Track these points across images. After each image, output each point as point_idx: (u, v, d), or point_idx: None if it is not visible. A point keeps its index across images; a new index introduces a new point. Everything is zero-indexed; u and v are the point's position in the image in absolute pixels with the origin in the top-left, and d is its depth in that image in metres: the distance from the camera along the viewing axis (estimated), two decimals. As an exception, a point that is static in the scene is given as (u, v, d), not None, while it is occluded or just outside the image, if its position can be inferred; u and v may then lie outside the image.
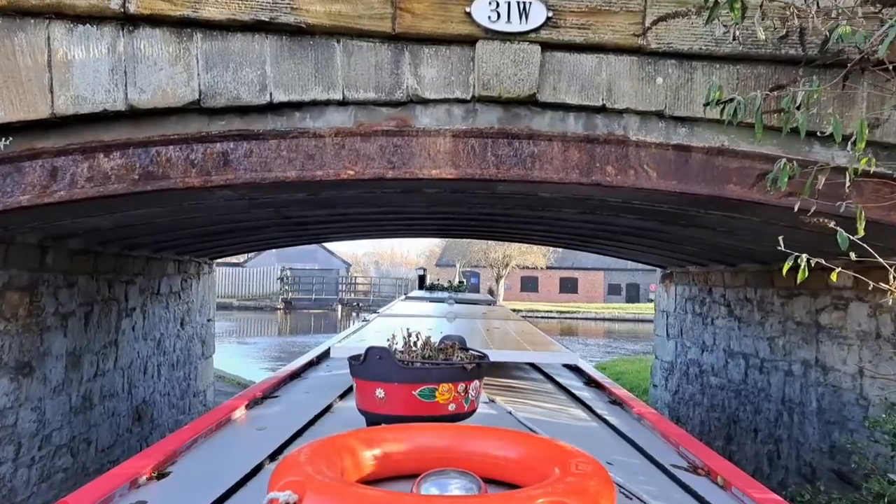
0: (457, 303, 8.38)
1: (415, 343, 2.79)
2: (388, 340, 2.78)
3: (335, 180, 4.28)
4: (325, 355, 5.32)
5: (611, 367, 16.15)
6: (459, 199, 5.62)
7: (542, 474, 1.82)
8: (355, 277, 52.01)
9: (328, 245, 53.11)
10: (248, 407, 3.60)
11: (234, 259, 56.79)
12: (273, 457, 2.56)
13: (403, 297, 12.32)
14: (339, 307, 43.43)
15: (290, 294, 45.33)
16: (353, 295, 47.00)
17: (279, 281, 46.01)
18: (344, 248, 65.75)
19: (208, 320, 10.15)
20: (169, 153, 4.23)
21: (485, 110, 4.34)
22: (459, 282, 14.37)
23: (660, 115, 4.37)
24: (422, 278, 14.05)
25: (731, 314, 8.49)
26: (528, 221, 7.34)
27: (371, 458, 2.00)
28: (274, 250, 51.59)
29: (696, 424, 9.36)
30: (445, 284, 12.76)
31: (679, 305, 10.10)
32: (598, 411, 3.78)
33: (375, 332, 4.64)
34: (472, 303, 9.33)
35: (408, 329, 2.86)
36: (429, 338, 2.84)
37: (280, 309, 43.46)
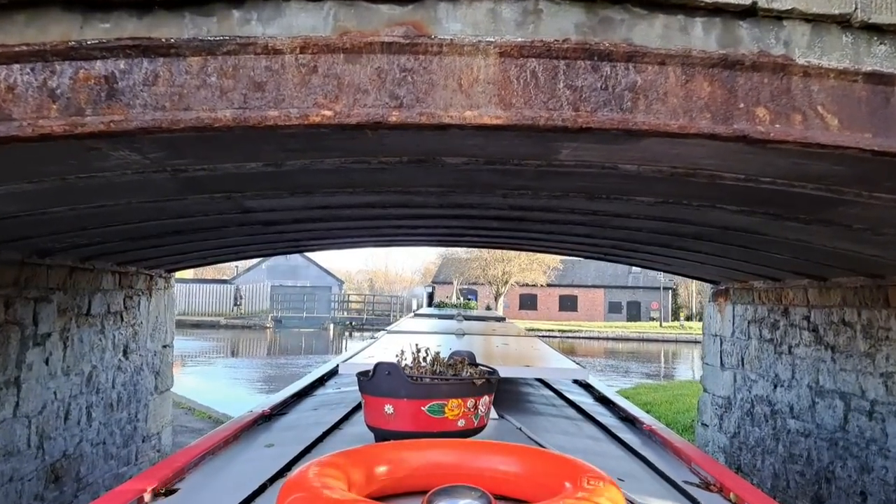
0: (465, 319, 8.06)
1: (424, 359, 2.74)
2: (397, 356, 2.73)
3: (300, 127, 2.49)
4: (333, 372, 5.32)
5: (634, 397, 14.26)
6: (494, 180, 3.84)
7: (552, 490, 1.81)
8: (348, 295, 50.15)
9: (321, 261, 51.47)
10: (256, 424, 3.59)
11: (222, 276, 55.08)
12: (281, 473, 2.51)
13: (412, 314, 12.08)
14: (332, 326, 41.60)
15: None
16: (346, 313, 45.13)
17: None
18: (337, 265, 64.17)
19: (164, 346, 8.31)
20: (12, 77, 2.43)
21: (554, 12, 2.56)
22: (468, 298, 13.99)
23: (843, 22, 2.60)
24: (430, 296, 14.18)
25: (818, 341, 6.71)
26: (571, 221, 5.56)
27: (380, 474, 1.98)
28: (264, 266, 49.96)
29: (766, 477, 7.55)
30: (455, 301, 12.35)
31: (738, 329, 8.32)
32: (609, 427, 3.76)
33: (384, 348, 4.44)
34: (480, 319, 9.03)
35: (416, 345, 2.80)
36: (438, 353, 2.80)
37: (269, 328, 41.59)
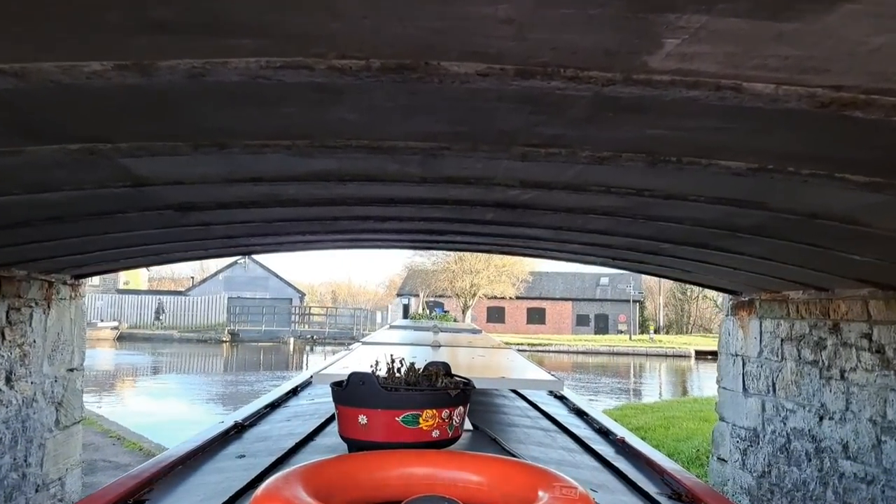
0: (441, 332, 7.95)
1: (398, 369, 2.70)
2: (372, 366, 2.71)
3: None
4: (307, 383, 5.34)
5: (622, 420, 12.83)
6: (518, 122, 2.39)
7: (526, 500, 1.82)
8: (310, 308, 48.24)
9: (282, 273, 49.66)
10: (227, 435, 3.53)
11: (177, 287, 52.88)
12: (253, 484, 2.43)
13: (388, 325, 11.85)
14: (292, 340, 39.77)
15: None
16: (307, 327, 43.27)
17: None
18: (299, 277, 62.45)
19: (70, 370, 6.70)
20: None
21: None
22: (445, 311, 14.21)
23: None
24: (406, 307, 14.23)
25: (886, 365, 5.40)
26: (594, 209, 4.16)
27: (353, 484, 1.96)
28: (221, 277, 47.92)
29: (810, 530, 6.22)
30: (432, 315, 12.23)
31: (768, 348, 7.00)
32: (583, 439, 3.76)
33: (358, 359, 4.25)
34: (456, 331, 9.11)
35: (391, 355, 2.78)
36: (413, 364, 2.78)
37: (226, 341, 39.61)
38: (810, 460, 6.28)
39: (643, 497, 2.71)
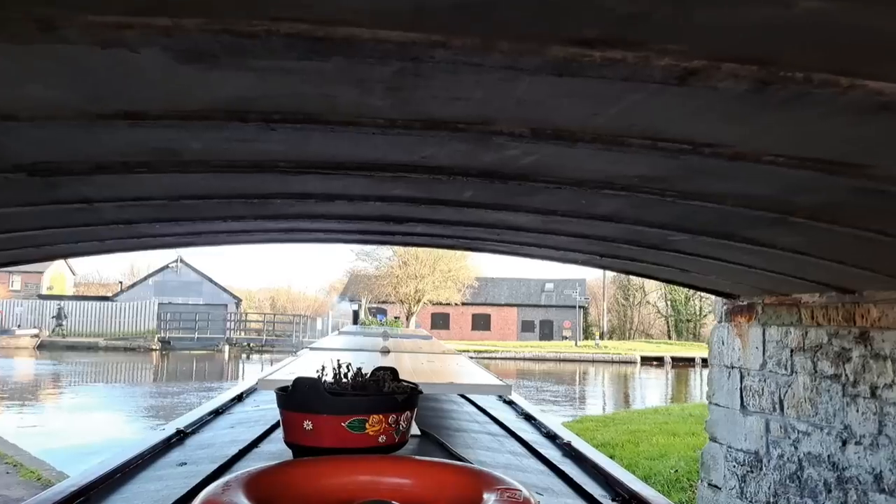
0: (391, 337, 7.90)
1: (345, 374, 2.71)
2: (318, 371, 2.69)
3: None
4: (252, 390, 5.31)
5: (583, 434, 11.93)
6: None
7: None
8: (246, 314, 46.27)
9: (217, 278, 47.65)
10: (168, 442, 3.46)
11: (106, 292, 50.26)
12: (194, 492, 2.33)
13: (337, 332, 11.78)
14: (227, 348, 37.95)
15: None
16: (243, 333, 41.41)
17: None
18: (236, 283, 60.30)
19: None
20: None
21: None
22: (395, 317, 14.40)
23: None
24: (356, 313, 12.99)
25: (934, 382, 4.52)
26: (613, 180, 3.13)
27: (296, 490, 1.92)
28: (151, 282, 45.60)
29: (831, 574, 5.30)
30: (382, 320, 12.01)
31: (773, 359, 6.09)
32: (530, 443, 3.79)
33: (305, 364, 4.21)
34: (406, 337, 9.17)
35: (338, 360, 2.79)
36: (360, 369, 2.78)
37: (156, 350, 37.53)
38: (830, 491, 5.36)
39: (588, 501, 2.72)
